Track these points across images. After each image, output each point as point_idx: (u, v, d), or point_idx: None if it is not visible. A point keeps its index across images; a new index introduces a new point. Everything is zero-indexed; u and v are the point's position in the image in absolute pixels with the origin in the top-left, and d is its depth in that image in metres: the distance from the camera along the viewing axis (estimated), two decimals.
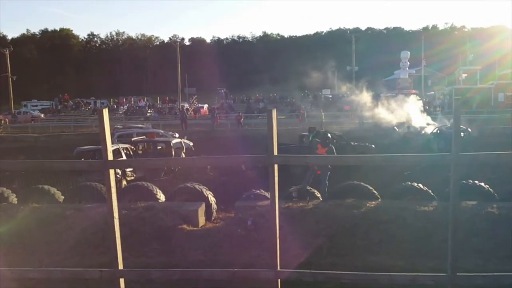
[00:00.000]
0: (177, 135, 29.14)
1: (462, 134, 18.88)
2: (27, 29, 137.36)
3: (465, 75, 55.78)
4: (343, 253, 7.92)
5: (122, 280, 4.65)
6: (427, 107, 40.31)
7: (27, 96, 79.43)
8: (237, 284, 6.07)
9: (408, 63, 72.19)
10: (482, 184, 10.23)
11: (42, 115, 61.17)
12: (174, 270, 5.60)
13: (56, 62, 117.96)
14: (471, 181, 10.21)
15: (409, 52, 71.91)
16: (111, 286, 4.84)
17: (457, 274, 4.29)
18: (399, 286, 4.70)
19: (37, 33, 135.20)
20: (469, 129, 21.04)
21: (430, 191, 10.23)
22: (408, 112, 27.52)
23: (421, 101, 34.46)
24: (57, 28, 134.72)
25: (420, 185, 10.41)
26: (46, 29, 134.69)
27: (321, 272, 4.86)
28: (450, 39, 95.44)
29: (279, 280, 4.55)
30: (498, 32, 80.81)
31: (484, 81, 53.18)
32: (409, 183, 10.62)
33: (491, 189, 10.14)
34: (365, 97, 36.89)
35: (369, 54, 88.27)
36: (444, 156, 4.88)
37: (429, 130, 23.56)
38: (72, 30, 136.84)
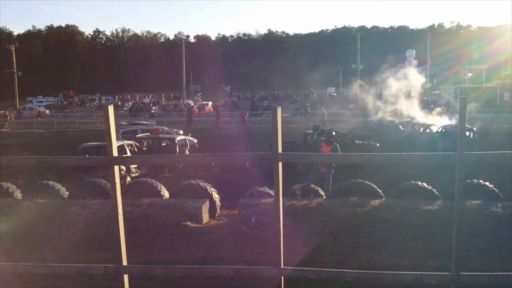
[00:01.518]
0: (181, 132, 29.17)
1: (467, 133, 18.85)
2: (33, 26, 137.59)
3: (471, 74, 55.60)
4: (347, 251, 7.91)
5: (126, 276, 4.66)
6: (431, 106, 40.18)
7: (33, 92, 79.67)
8: (241, 281, 6.08)
9: (414, 61, 71.93)
10: (487, 183, 10.20)
11: (47, 111, 61.35)
12: (178, 266, 5.61)
13: (61, 59, 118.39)
14: (475, 180, 10.17)
15: (414, 51, 71.67)
16: (115, 282, 4.85)
17: (461, 273, 4.28)
18: (403, 284, 4.69)
19: (43, 30, 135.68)
20: (474, 128, 20.96)
21: (434, 190, 10.20)
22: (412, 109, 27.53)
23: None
24: (63, 25, 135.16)
25: (425, 184, 10.38)
26: (52, 26, 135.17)
27: (325, 270, 4.86)
28: (456, 38, 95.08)
29: (282, 278, 4.55)
30: (504, 32, 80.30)
31: (490, 80, 52.98)
32: (414, 182, 10.59)
33: (495, 189, 10.10)
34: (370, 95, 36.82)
35: (375, 52, 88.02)
36: (449, 155, 4.87)
37: (434, 128, 23.49)
38: (77, 27, 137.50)
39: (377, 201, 9.51)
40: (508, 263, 6.98)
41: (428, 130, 23.90)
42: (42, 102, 71.55)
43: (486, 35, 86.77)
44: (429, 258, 7.18)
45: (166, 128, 30.27)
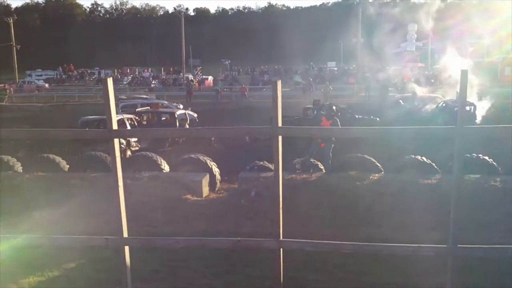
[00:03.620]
0: (181, 106, 29.07)
1: (467, 108, 18.79)
2: None
3: (472, 49, 55.10)
4: (346, 224, 7.97)
5: (127, 248, 4.70)
6: (432, 81, 39.99)
7: (31, 66, 79.04)
8: (241, 253, 6.16)
9: (415, 35, 71.20)
10: (486, 157, 10.22)
11: (47, 85, 60.98)
12: (178, 238, 5.66)
13: (60, 32, 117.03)
14: (475, 154, 10.19)
15: (416, 25, 70.83)
16: (116, 254, 4.91)
17: (458, 246, 4.31)
18: (400, 257, 4.74)
19: (41, 2, 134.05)
20: (475, 103, 20.89)
21: (434, 164, 10.22)
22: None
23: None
24: None
25: (424, 158, 10.40)
26: None
27: (323, 242, 4.90)
28: (458, 13, 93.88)
29: (281, 250, 4.60)
30: (507, 6, 79.39)
31: (492, 55, 52.55)
32: (413, 156, 10.61)
33: (494, 163, 10.13)
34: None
35: (376, 26, 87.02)
36: (448, 128, 4.86)
37: (435, 103, 23.41)
38: (76, 0, 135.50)
39: (376, 175, 9.57)
40: (506, 236, 7.04)
41: (428, 105, 23.81)
42: (41, 75, 71.01)
43: (489, 9, 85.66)
44: (427, 232, 7.23)
45: (166, 102, 30.15)
